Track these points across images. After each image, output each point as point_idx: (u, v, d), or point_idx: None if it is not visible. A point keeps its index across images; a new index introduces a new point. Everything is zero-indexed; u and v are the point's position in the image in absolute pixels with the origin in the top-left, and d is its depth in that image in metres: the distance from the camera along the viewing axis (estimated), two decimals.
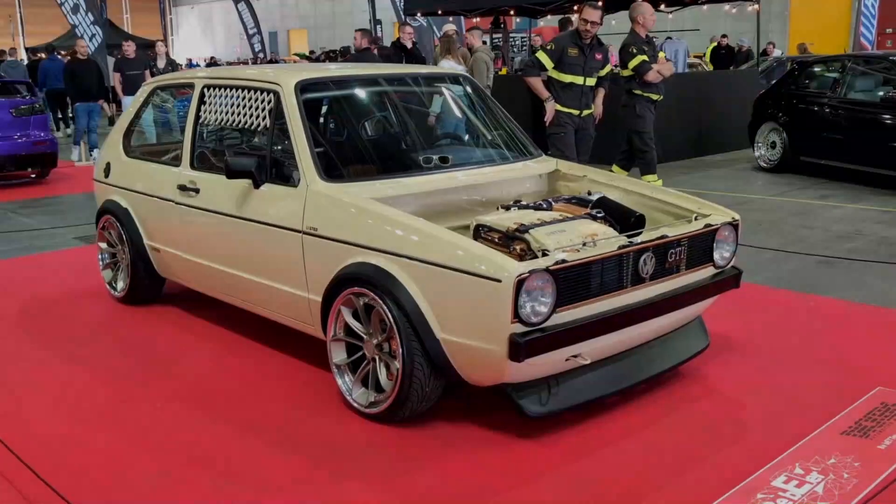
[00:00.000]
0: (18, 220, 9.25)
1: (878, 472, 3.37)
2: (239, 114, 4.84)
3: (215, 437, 3.91)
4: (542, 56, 7.98)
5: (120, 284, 5.86)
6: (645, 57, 8.41)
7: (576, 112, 7.99)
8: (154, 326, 5.46)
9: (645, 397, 4.19)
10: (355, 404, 4.05)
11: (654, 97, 8.60)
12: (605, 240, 3.85)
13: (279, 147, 4.58)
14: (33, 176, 11.94)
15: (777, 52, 20.79)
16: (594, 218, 4.22)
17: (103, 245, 5.99)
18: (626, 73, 8.61)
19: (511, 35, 26.51)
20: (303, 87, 4.61)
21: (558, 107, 7.89)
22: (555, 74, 7.96)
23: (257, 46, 31.03)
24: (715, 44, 20.58)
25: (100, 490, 3.45)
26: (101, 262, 6.05)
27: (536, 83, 8.00)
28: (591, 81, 8.03)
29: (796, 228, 7.96)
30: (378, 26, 27.91)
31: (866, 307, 5.62)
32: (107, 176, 5.97)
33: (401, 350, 3.75)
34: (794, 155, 11.01)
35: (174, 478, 3.54)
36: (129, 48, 13.95)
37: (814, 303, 5.75)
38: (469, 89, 5.43)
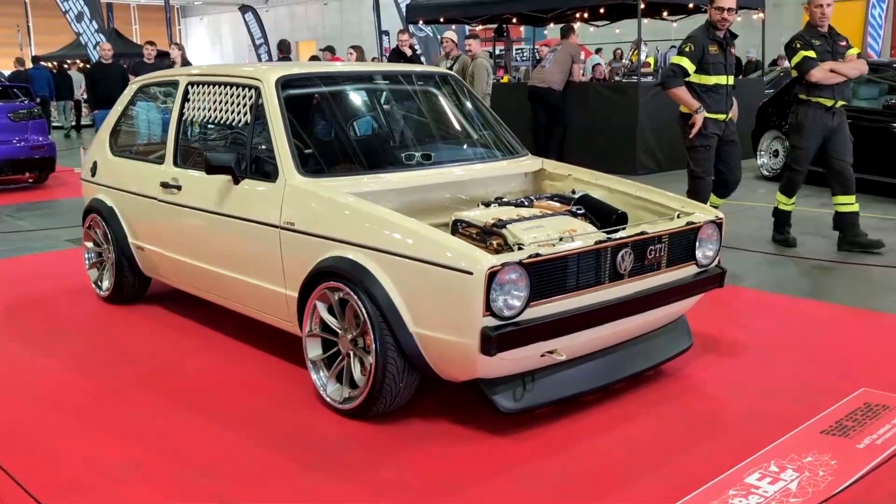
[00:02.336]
0: (13, 222, 9.24)
1: (854, 471, 3.30)
2: (221, 110, 4.82)
3: (189, 429, 3.87)
4: (682, 60, 6.75)
5: (105, 283, 5.83)
6: (810, 52, 6.98)
7: (721, 117, 6.88)
8: (136, 324, 5.43)
9: (624, 395, 4.13)
10: (329, 400, 4.00)
11: (827, 102, 7.07)
12: (583, 235, 3.80)
13: (260, 142, 4.55)
14: (31, 181, 11.95)
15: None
16: (574, 215, 4.18)
17: (89, 244, 5.97)
18: (794, 73, 7.27)
19: (518, 48, 26.62)
20: (284, 83, 4.59)
21: (705, 114, 6.77)
22: (696, 78, 6.80)
23: (264, 57, 31.11)
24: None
25: (65, 481, 3.41)
26: (86, 262, 6.02)
27: (682, 93, 6.77)
28: (731, 80, 6.93)
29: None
30: (385, 36, 27.99)
31: (857, 311, 5.55)
32: (93, 175, 5.95)
33: (374, 345, 3.70)
34: None
35: (143, 469, 3.50)
36: (150, 52, 13.11)
37: (805, 306, 5.68)
38: (454, 88, 5.39)
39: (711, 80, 6.79)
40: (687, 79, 6.78)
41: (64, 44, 29.27)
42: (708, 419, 3.98)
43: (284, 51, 14.01)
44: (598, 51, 22.22)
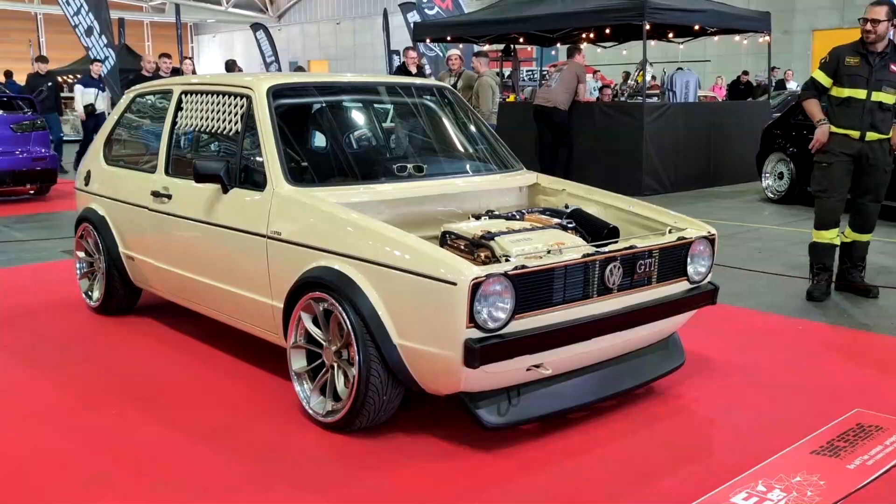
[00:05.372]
0: (9, 233, 9.20)
1: (843, 492, 3.22)
2: (213, 119, 4.78)
3: (166, 443, 3.80)
4: (817, 74, 6.39)
5: (95, 294, 5.78)
6: None
7: (854, 134, 6.19)
8: (125, 336, 5.37)
9: (612, 413, 4.05)
10: (312, 413, 3.93)
11: None
12: (571, 248, 3.74)
13: (250, 151, 4.50)
14: (32, 192, 11.91)
15: (792, 84, 20.65)
16: (565, 228, 4.12)
17: (81, 254, 5.92)
18: None
19: (529, 69, 26.63)
20: (275, 92, 4.55)
21: (831, 128, 6.25)
22: (834, 90, 6.33)
23: None
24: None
25: (30, 495, 3.34)
26: (78, 272, 5.97)
27: (810, 105, 6.39)
28: (882, 97, 6.17)
29: (796, 257, 7.78)
30: (396, 56, 28.07)
31: (855, 332, 5.47)
32: (87, 184, 5.91)
33: (357, 356, 3.64)
34: (802, 186, 10.85)
35: (112, 481, 3.43)
36: (149, 65, 13.29)
37: (802, 327, 5.60)
38: (449, 101, 5.34)
39: (844, 92, 6.27)
40: (829, 92, 6.37)
41: (74, 59, 29.38)
42: (697, 438, 3.91)
43: (229, 70, 13.95)
44: (626, 75, 22.00)
